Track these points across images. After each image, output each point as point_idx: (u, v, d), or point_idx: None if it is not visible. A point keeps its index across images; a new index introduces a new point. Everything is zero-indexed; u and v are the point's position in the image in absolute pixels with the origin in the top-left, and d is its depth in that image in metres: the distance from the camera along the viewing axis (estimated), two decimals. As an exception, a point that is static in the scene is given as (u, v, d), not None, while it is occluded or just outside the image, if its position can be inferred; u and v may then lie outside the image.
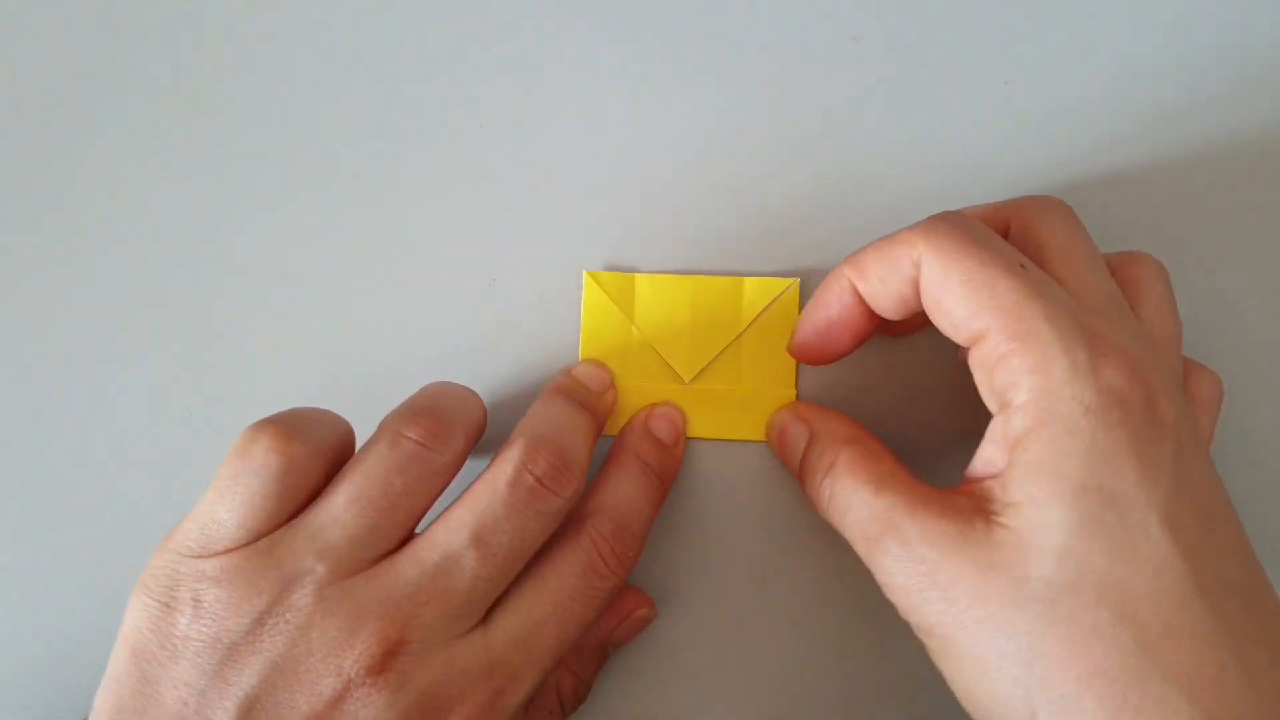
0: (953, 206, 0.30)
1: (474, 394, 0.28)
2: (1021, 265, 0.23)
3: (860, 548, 0.24)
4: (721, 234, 0.31)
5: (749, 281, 0.30)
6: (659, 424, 0.29)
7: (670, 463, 0.29)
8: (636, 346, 0.30)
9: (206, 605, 0.23)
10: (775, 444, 0.29)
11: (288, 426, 0.24)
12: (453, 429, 0.25)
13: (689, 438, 0.30)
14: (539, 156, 0.31)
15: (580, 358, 0.30)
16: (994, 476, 0.22)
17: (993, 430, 0.23)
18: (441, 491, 0.25)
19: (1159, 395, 0.21)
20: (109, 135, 0.32)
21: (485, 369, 0.31)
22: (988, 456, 0.23)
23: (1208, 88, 0.30)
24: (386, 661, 0.23)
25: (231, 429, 0.31)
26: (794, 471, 0.27)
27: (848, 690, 0.29)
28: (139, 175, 0.32)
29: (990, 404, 0.23)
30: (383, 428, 0.25)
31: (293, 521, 0.24)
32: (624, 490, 0.27)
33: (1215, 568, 0.21)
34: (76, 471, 0.31)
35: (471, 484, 0.25)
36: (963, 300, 0.22)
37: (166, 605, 0.23)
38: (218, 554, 0.23)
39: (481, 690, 0.24)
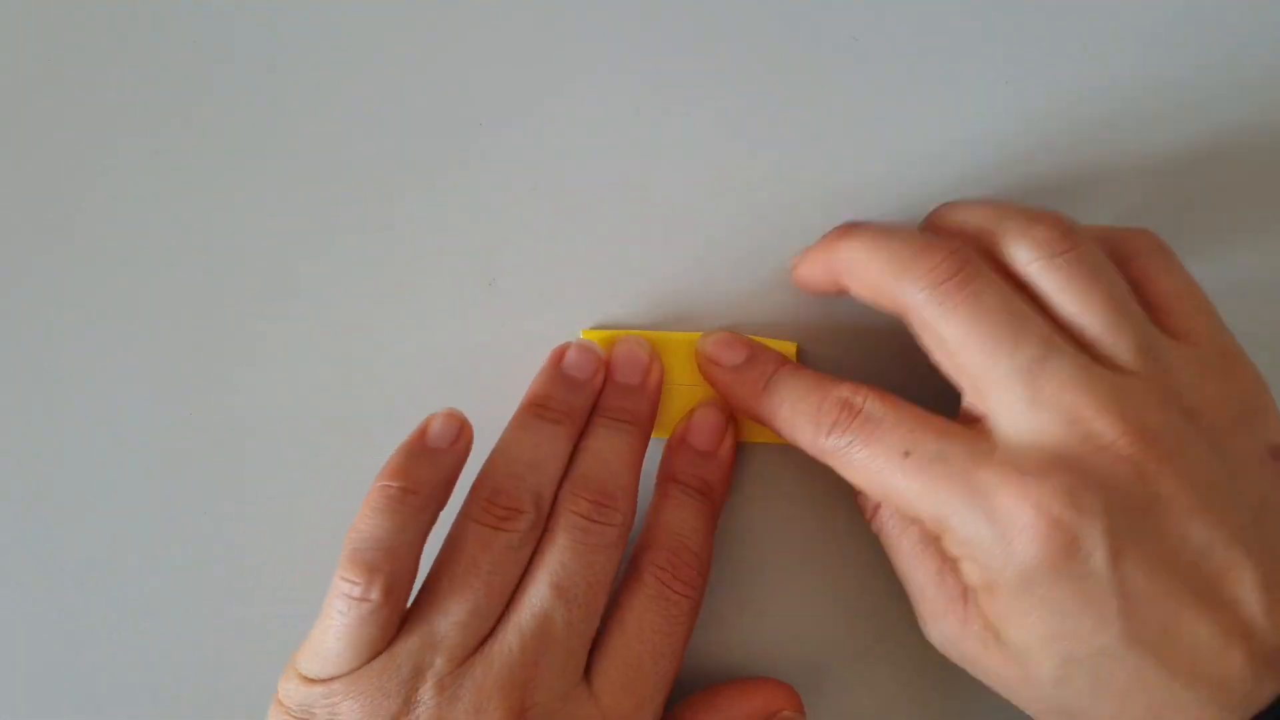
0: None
1: (550, 429, 0.27)
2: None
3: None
4: (721, 229, 0.31)
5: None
6: (697, 435, 0.29)
7: (719, 467, 0.29)
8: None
9: (343, 718, 0.24)
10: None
11: (369, 565, 0.25)
12: (520, 503, 0.26)
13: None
14: (539, 156, 0.31)
15: None
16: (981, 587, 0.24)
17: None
18: (527, 559, 0.26)
19: (1081, 532, 0.22)
20: (106, 135, 0.32)
21: (485, 369, 0.31)
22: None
23: (1210, 87, 0.30)
24: None
25: (231, 432, 0.31)
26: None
27: (852, 692, 0.29)
28: (137, 175, 0.32)
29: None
30: (461, 512, 0.26)
31: (406, 620, 0.25)
32: (671, 517, 0.28)
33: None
34: (75, 476, 0.31)
35: (540, 543, 0.26)
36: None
37: None
38: (343, 676, 0.25)
39: None
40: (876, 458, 0.24)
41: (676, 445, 0.29)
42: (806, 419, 0.26)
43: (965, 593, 0.24)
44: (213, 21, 0.32)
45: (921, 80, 0.31)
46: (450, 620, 0.25)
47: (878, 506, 0.27)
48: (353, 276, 0.31)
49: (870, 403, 0.25)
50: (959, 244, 0.24)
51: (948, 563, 0.25)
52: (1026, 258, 0.24)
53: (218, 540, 0.31)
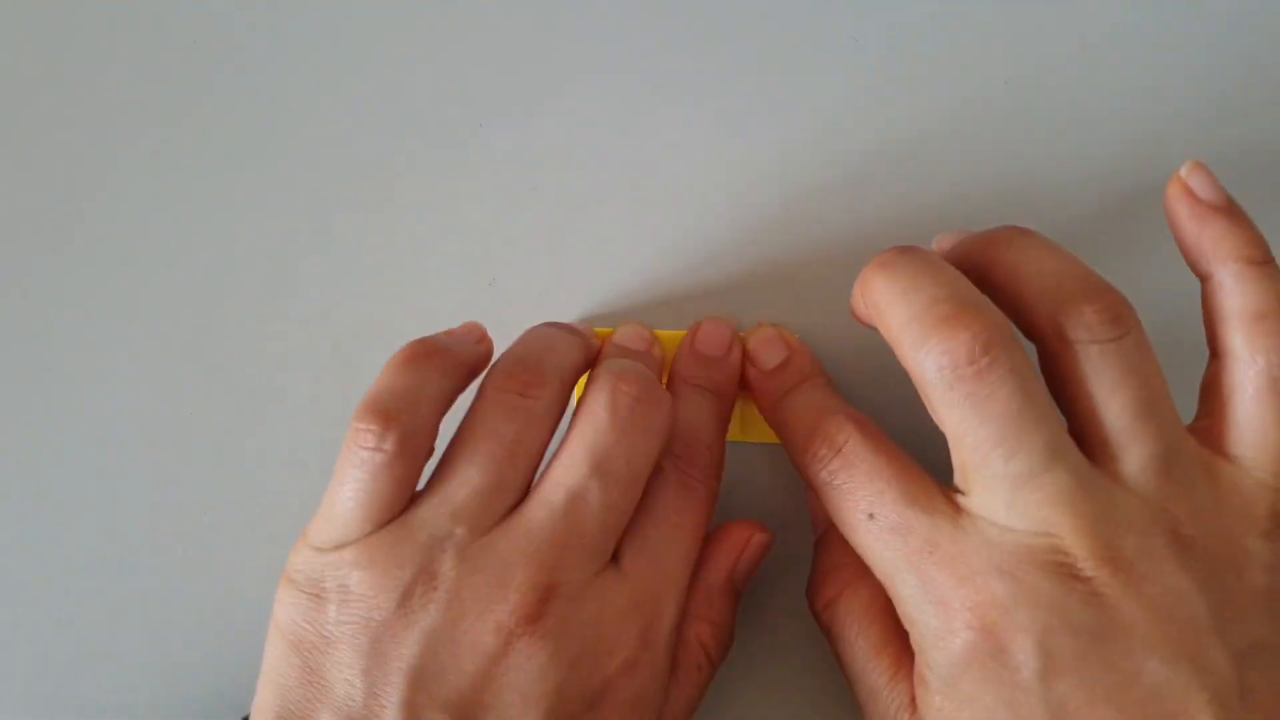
0: (952, 209, 0.30)
1: (568, 335, 0.27)
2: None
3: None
4: (721, 229, 0.31)
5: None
6: (705, 342, 0.29)
7: (726, 371, 0.29)
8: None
9: (353, 589, 0.23)
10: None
11: (385, 412, 0.24)
12: (543, 374, 0.25)
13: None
14: (539, 156, 0.31)
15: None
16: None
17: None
18: (550, 435, 0.25)
19: (1011, 642, 0.21)
20: (106, 135, 0.32)
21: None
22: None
23: (1208, 88, 0.30)
24: (542, 608, 0.23)
25: (227, 430, 0.31)
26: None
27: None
28: (137, 175, 0.32)
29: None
30: (481, 387, 0.26)
31: (420, 492, 0.24)
32: (684, 413, 0.27)
33: None
34: (75, 476, 0.31)
35: (572, 422, 0.25)
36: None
37: (316, 596, 0.23)
38: (354, 542, 0.24)
39: (633, 624, 0.24)
40: (847, 509, 0.24)
41: (685, 353, 0.29)
42: (797, 445, 0.25)
43: (914, 699, 0.24)
44: (213, 21, 0.32)
45: (921, 80, 0.31)
46: (470, 489, 0.24)
47: (839, 595, 0.26)
48: (353, 276, 0.31)
49: (852, 442, 0.24)
50: (992, 322, 0.22)
51: (903, 668, 0.24)
52: (1071, 337, 0.22)
53: (218, 539, 0.31)
